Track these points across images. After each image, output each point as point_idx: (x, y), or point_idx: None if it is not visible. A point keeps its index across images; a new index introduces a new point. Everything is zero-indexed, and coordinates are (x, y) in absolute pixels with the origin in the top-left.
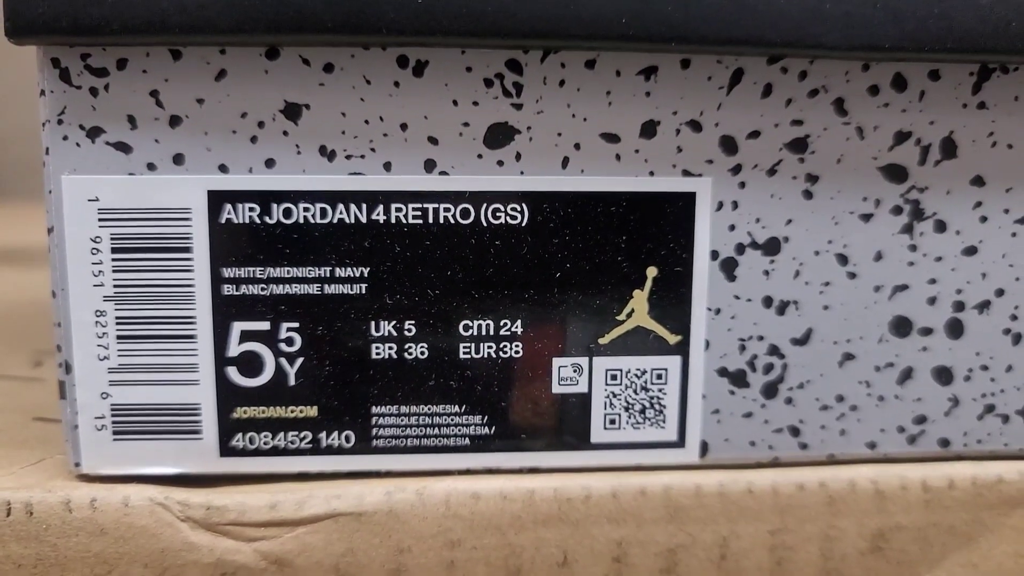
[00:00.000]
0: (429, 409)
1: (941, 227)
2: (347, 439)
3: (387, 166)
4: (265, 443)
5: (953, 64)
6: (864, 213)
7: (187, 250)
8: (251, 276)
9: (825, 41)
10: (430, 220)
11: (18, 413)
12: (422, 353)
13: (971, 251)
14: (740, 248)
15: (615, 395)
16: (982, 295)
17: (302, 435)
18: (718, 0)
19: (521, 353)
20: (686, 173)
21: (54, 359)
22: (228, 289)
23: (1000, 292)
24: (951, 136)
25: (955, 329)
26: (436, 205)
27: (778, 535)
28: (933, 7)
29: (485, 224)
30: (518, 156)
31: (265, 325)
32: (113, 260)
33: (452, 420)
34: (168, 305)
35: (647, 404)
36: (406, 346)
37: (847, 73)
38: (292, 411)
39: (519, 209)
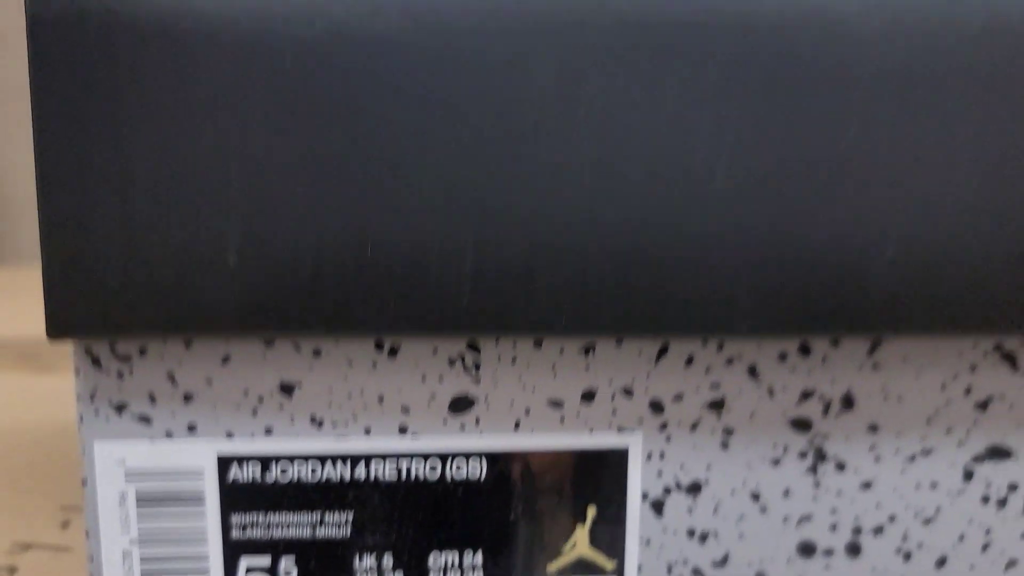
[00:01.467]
0: None
1: (841, 467)
2: None
3: (367, 431)
4: None
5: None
6: (774, 458)
7: (200, 502)
8: (255, 522)
9: (738, 329)
10: (403, 475)
11: None
12: None
13: (867, 485)
14: (667, 490)
15: None
16: (877, 521)
17: None
18: (645, 296)
19: None
20: (620, 430)
21: (81, 519)
22: (236, 533)
23: (892, 518)
24: (849, 392)
25: (854, 550)
26: (409, 463)
27: None
28: (829, 298)
29: (450, 478)
30: (477, 421)
31: (267, 561)
32: (138, 510)
33: None
34: (185, 547)
35: None
36: None
37: (759, 344)
38: None
39: (479, 464)
